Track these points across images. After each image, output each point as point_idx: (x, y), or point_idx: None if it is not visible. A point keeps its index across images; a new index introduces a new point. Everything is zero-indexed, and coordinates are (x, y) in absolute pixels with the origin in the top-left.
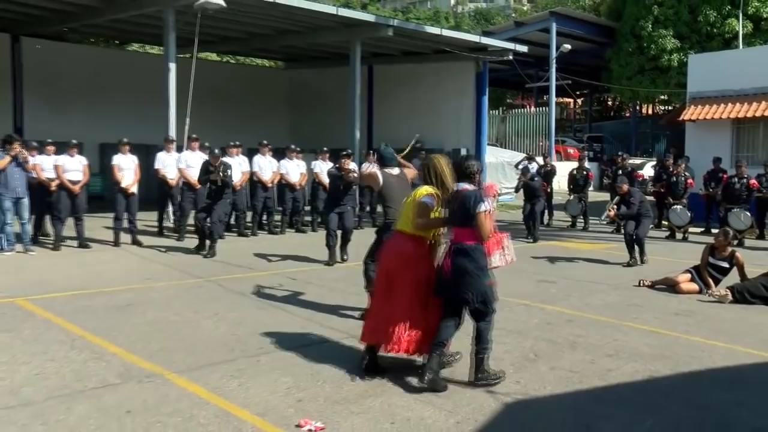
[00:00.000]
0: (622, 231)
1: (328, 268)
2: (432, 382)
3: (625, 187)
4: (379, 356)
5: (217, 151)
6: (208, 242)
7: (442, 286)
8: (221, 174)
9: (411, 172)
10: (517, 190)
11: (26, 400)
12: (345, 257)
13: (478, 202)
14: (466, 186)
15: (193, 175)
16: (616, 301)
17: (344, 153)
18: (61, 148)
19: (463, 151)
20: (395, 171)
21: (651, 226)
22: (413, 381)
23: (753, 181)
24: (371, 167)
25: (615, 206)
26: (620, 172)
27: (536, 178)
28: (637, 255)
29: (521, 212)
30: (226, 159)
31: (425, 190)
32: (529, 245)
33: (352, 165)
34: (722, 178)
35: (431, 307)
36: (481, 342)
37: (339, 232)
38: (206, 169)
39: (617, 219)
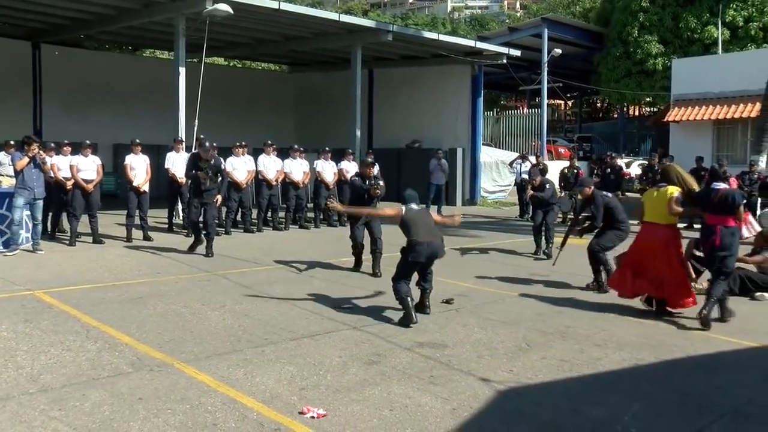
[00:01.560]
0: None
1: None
2: (706, 317)
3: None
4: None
5: (207, 144)
6: (205, 242)
7: (713, 256)
8: (209, 176)
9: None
10: (531, 198)
11: (45, 386)
12: (379, 273)
13: (738, 197)
14: (723, 185)
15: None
16: (604, 293)
17: (369, 161)
18: (77, 148)
19: (459, 151)
20: (414, 206)
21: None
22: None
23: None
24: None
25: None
26: (609, 170)
27: (547, 186)
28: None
29: (531, 223)
30: (232, 158)
31: (675, 189)
32: (528, 246)
33: (376, 170)
34: (704, 176)
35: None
36: (719, 289)
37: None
38: (194, 164)
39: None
